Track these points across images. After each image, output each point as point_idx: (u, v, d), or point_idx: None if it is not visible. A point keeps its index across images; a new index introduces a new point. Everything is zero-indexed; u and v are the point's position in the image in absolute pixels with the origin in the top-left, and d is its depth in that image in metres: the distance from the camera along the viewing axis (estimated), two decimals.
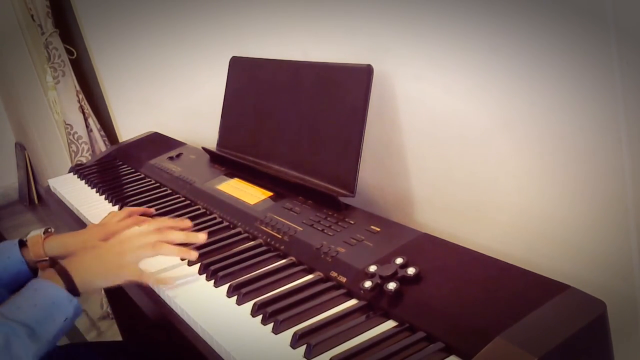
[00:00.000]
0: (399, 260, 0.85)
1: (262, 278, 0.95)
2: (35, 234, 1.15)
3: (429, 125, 1.02)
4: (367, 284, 0.83)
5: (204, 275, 1.00)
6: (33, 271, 1.13)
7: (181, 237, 1.03)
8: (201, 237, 1.05)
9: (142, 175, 1.56)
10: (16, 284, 1.12)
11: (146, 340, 1.52)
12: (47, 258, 1.13)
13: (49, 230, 1.17)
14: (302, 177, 1.18)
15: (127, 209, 1.22)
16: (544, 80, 0.82)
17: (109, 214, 1.21)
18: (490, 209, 0.97)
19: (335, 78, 1.12)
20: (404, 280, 0.82)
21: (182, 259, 1.05)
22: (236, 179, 1.33)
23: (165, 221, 1.07)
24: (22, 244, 1.13)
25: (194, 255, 1.02)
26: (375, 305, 0.82)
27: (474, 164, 0.97)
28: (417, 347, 0.73)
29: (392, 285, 0.80)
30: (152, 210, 1.27)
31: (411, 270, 0.82)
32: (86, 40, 2.48)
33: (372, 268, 0.85)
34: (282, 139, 1.25)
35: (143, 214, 1.24)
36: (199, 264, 1.02)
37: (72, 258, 0.94)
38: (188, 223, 1.09)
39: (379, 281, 0.82)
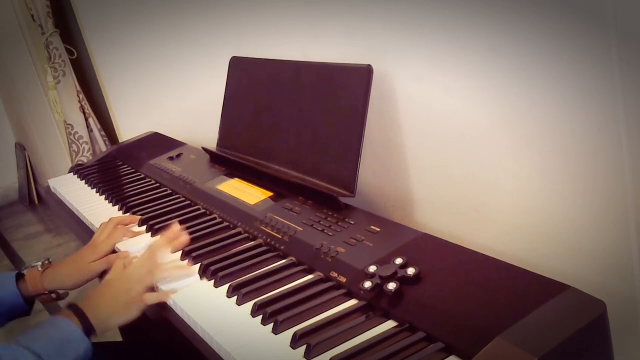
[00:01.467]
0: (399, 261, 0.85)
1: (262, 278, 0.95)
2: (33, 266, 1.17)
3: (429, 125, 1.02)
4: (367, 284, 0.83)
5: (204, 275, 1.00)
6: (28, 303, 1.15)
7: (172, 256, 1.06)
8: (184, 239, 1.09)
9: (142, 175, 1.56)
10: (11, 315, 1.14)
11: (146, 340, 1.52)
12: (47, 292, 1.15)
13: (48, 261, 1.19)
14: (302, 177, 1.18)
15: (113, 221, 1.24)
16: (544, 80, 0.82)
17: (98, 228, 1.23)
18: (490, 209, 0.97)
19: (335, 78, 1.12)
20: (403, 280, 0.81)
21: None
22: (236, 179, 1.33)
23: (155, 244, 1.07)
24: (20, 275, 1.15)
25: (187, 268, 1.03)
26: (375, 305, 0.82)
27: (474, 163, 0.97)
28: (417, 347, 0.73)
29: (392, 286, 0.80)
30: (137, 217, 1.27)
31: (411, 271, 0.82)
32: (86, 40, 2.48)
33: (372, 268, 0.85)
34: (282, 139, 1.25)
35: (129, 223, 1.26)
36: (199, 264, 1.02)
37: (86, 300, 0.98)
38: (175, 230, 1.09)
39: (378, 281, 0.82)
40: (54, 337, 0.91)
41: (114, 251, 1.18)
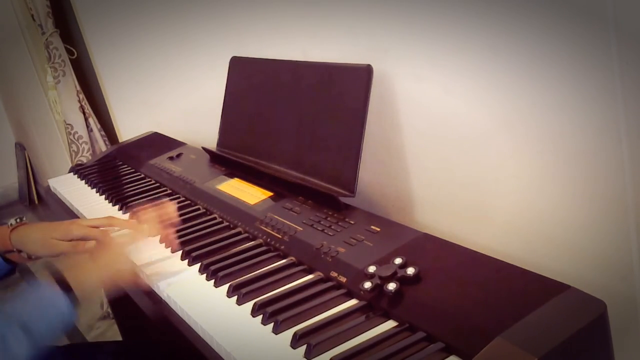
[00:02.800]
0: (398, 261, 0.85)
1: (262, 278, 0.95)
2: (4, 224, 1.16)
3: (429, 125, 1.02)
4: (367, 284, 0.83)
5: (204, 275, 1.00)
6: (8, 261, 1.16)
7: (153, 217, 1.08)
8: (171, 210, 1.10)
9: (142, 175, 1.56)
10: None
11: (146, 340, 1.52)
12: (14, 250, 1.14)
13: (19, 220, 1.17)
14: (302, 177, 1.18)
15: (109, 218, 1.20)
16: (544, 80, 0.82)
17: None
18: (491, 209, 0.97)
19: (335, 78, 1.12)
20: (403, 281, 0.81)
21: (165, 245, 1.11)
22: (236, 179, 1.33)
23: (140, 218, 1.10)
24: None
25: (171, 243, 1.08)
26: (375, 305, 0.82)
27: (474, 164, 0.97)
28: (417, 347, 0.73)
29: (392, 286, 0.80)
30: (133, 221, 1.24)
31: (410, 270, 0.82)
32: (86, 40, 2.48)
33: (372, 269, 0.85)
34: (282, 139, 1.25)
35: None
36: (199, 264, 1.02)
37: (67, 262, 1.00)
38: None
39: (378, 282, 0.82)
40: (37, 304, 0.91)
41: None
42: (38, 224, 1.18)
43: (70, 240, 1.13)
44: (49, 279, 0.94)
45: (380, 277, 0.83)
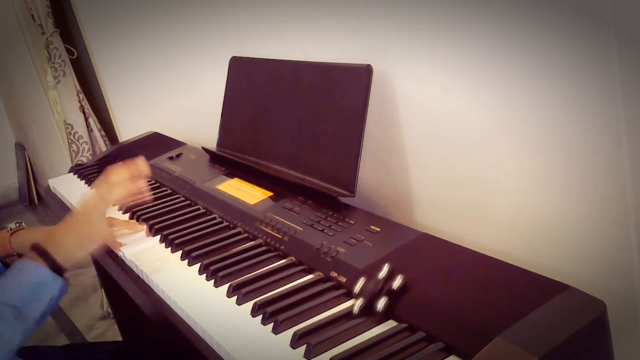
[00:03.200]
0: (383, 273, 0.83)
1: (262, 278, 0.95)
2: (4, 229, 1.17)
3: (429, 125, 1.02)
4: (358, 304, 0.80)
5: (204, 275, 1.00)
6: (6, 266, 1.14)
7: (122, 170, 1.06)
8: (141, 164, 1.07)
9: None
10: None
11: (146, 340, 1.52)
12: (15, 254, 1.15)
13: (18, 224, 1.19)
14: (302, 177, 1.18)
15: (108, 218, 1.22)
16: (544, 80, 0.82)
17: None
18: (491, 209, 0.97)
19: (335, 78, 1.12)
20: (392, 294, 0.80)
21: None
22: (236, 179, 1.33)
23: (110, 167, 1.09)
24: None
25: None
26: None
27: (474, 163, 0.97)
28: (417, 347, 0.73)
29: (381, 303, 0.79)
30: (132, 222, 1.27)
31: (397, 283, 0.80)
32: (86, 40, 2.48)
33: (358, 287, 0.83)
34: (282, 139, 1.25)
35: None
36: (199, 264, 1.02)
37: (47, 239, 0.96)
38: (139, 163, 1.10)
39: (366, 301, 0.80)
40: (25, 284, 0.89)
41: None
42: (37, 227, 1.19)
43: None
44: (34, 256, 0.92)
45: (368, 295, 0.80)
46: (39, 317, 0.89)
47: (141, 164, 1.07)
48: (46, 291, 0.90)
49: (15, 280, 0.90)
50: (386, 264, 0.83)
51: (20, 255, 1.15)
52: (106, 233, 1.00)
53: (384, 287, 0.81)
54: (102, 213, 1.00)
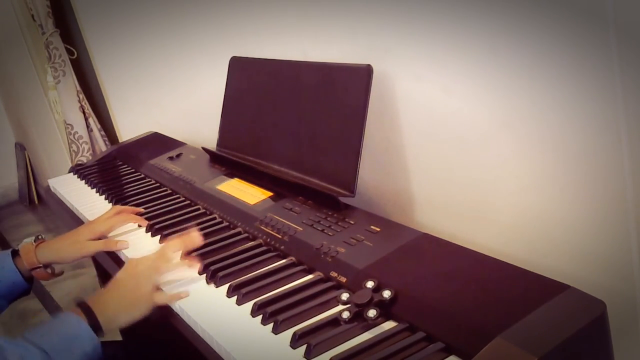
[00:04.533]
0: (370, 284, 0.82)
1: (262, 278, 0.95)
2: (27, 242, 1.17)
3: (429, 125, 1.02)
4: (345, 314, 0.79)
5: (204, 275, 1.00)
6: (28, 280, 1.15)
7: (178, 243, 1.03)
8: (194, 236, 1.05)
9: (142, 175, 1.56)
10: (12, 295, 1.14)
11: (146, 340, 1.52)
12: (41, 265, 1.15)
13: (40, 237, 1.19)
14: (302, 177, 1.18)
15: (116, 207, 1.26)
16: (544, 80, 0.82)
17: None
18: (491, 209, 0.97)
19: (335, 78, 1.12)
20: (382, 305, 0.79)
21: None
22: (236, 179, 1.33)
23: (167, 243, 1.05)
24: (15, 253, 1.15)
25: (196, 266, 1.02)
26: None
27: (474, 164, 0.97)
28: (417, 347, 0.73)
29: (372, 313, 0.78)
30: (141, 209, 1.29)
31: (386, 294, 0.80)
32: (86, 40, 2.48)
33: (345, 296, 0.82)
34: (282, 139, 1.25)
35: (132, 212, 1.27)
36: (199, 264, 1.02)
37: (95, 298, 0.96)
38: (192, 235, 1.06)
39: (356, 309, 0.80)
40: (60, 334, 0.89)
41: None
42: (60, 235, 1.20)
43: (99, 239, 1.17)
44: (77, 311, 0.92)
45: (357, 305, 0.80)
46: None
47: (195, 237, 1.05)
48: (80, 346, 0.89)
49: (54, 328, 0.90)
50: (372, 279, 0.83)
51: (46, 267, 1.16)
52: (152, 301, 0.97)
53: (373, 298, 0.80)
54: (153, 283, 0.97)
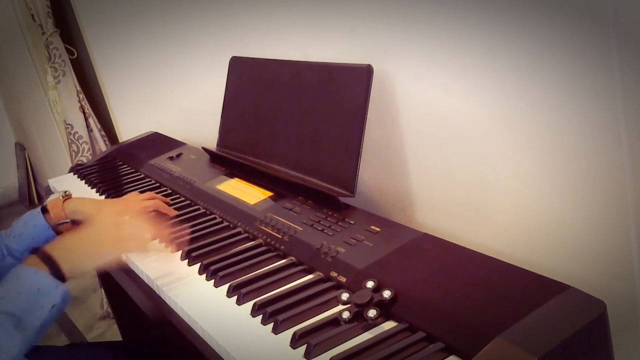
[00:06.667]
0: (371, 284, 0.82)
1: (262, 278, 0.95)
2: (54, 197, 1.16)
3: (429, 125, 1.02)
4: (345, 314, 0.79)
5: (204, 275, 1.00)
6: (58, 233, 1.15)
7: (152, 205, 1.07)
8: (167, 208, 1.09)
9: (142, 175, 1.56)
10: None
11: (146, 340, 1.52)
12: (69, 220, 1.15)
13: (67, 192, 1.19)
14: (302, 177, 1.17)
15: (150, 193, 1.26)
16: (544, 80, 0.82)
17: (131, 193, 1.25)
18: (490, 209, 0.97)
19: (335, 78, 1.12)
20: (382, 305, 0.79)
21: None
22: (236, 179, 1.33)
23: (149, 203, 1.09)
24: (45, 210, 1.15)
25: (175, 248, 1.03)
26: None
27: (474, 164, 0.97)
28: (417, 347, 0.73)
29: (372, 313, 0.78)
30: (169, 203, 1.30)
31: (386, 294, 0.80)
32: (86, 40, 2.48)
33: (345, 296, 0.82)
34: (282, 139, 1.25)
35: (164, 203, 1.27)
36: (199, 264, 1.02)
37: (56, 242, 0.91)
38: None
39: (356, 309, 0.80)
40: (24, 291, 0.83)
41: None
42: (90, 199, 1.20)
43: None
44: (37, 263, 0.87)
45: (357, 305, 0.80)
46: (39, 326, 0.83)
47: (166, 208, 1.07)
48: (47, 299, 0.83)
49: (14, 287, 0.84)
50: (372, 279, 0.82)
51: (74, 222, 1.15)
52: (121, 247, 0.93)
53: (373, 298, 0.80)
54: (123, 229, 0.94)
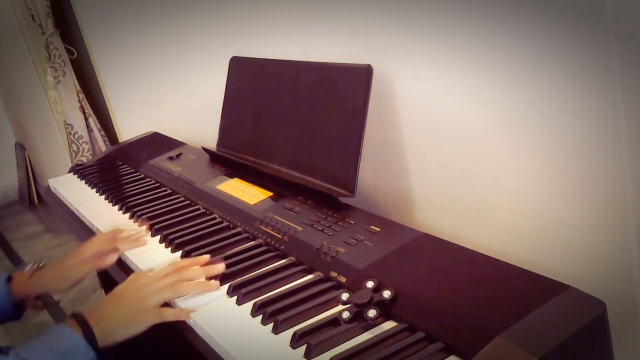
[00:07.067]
0: (371, 284, 0.82)
1: (262, 278, 0.95)
2: (22, 271, 1.13)
3: (429, 125, 1.02)
4: (345, 314, 0.79)
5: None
6: (17, 308, 1.12)
7: (199, 273, 0.96)
8: (220, 267, 0.98)
9: (142, 175, 1.56)
10: (1, 319, 1.11)
11: (146, 340, 1.52)
12: (32, 296, 1.12)
13: (38, 265, 1.15)
14: (302, 177, 1.18)
15: (115, 231, 1.17)
16: (544, 80, 0.82)
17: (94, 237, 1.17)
18: (490, 209, 0.97)
19: (335, 78, 1.12)
20: (382, 305, 0.79)
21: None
22: (236, 179, 1.33)
23: (181, 262, 1.00)
24: (10, 279, 1.12)
25: (215, 286, 0.95)
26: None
27: (474, 164, 0.97)
28: (417, 347, 0.73)
29: (372, 313, 0.78)
30: (144, 241, 1.18)
31: (386, 294, 0.79)
32: (86, 40, 2.49)
33: (345, 296, 0.82)
34: (282, 139, 1.25)
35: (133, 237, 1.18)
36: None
37: (93, 309, 0.92)
38: (205, 258, 1.02)
39: (356, 309, 0.79)
40: (56, 349, 0.85)
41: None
42: (53, 263, 1.15)
43: (87, 261, 1.11)
44: (73, 324, 0.88)
45: (357, 305, 0.80)
46: None
47: (220, 269, 0.98)
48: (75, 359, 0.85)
49: (48, 343, 0.85)
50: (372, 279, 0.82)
51: (37, 298, 1.13)
52: (155, 318, 0.91)
53: (373, 298, 0.80)
54: (161, 300, 0.92)
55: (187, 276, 0.95)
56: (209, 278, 0.96)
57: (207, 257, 1.02)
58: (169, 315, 0.91)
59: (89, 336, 0.88)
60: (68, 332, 0.87)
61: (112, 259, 1.12)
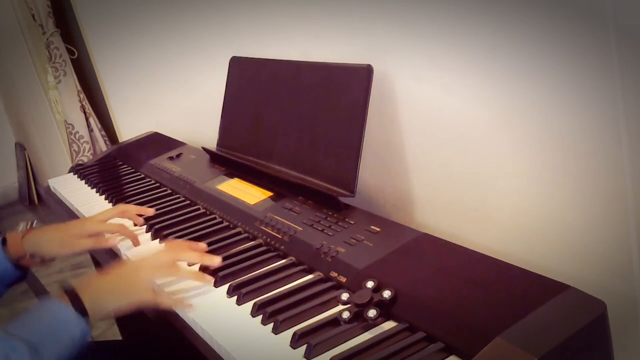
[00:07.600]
0: (371, 284, 0.82)
1: (262, 278, 0.95)
2: (14, 232, 1.15)
3: (429, 125, 1.02)
4: (345, 314, 0.79)
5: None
6: (19, 269, 1.14)
7: (196, 258, 0.98)
8: (216, 260, 0.98)
9: (142, 175, 1.56)
10: (6, 281, 1.13)
11: (146, 340, 1.52)
12: (27, 255, 1.14)
13: (31, 225, 1.18)
14: (302, 177, 1.17)
15: (120, 206, 1.22)
16: (544, 80, 0.82)
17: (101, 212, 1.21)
18: (491, 209, 0.97)
19: (335, 78, 1.12)
20: (382, 305, 0.79)
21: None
22: (236, 179, 1.33)
23: (179, 242, 1.02)
24: (5, 242, 1.14)
25: (208, 280, 0.96)
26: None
27: (474, 163, 0.97)
28: (417, 347, 0.73)
29: (372, 313, 0.78)
30: (151, 210, 1.25)
31: (386, 294, 0.79)
32: (87, 40, 2.49)
33: (345, 296, 0.82)
34: (282, 139, 1.25)
35: (139, 214, 1.24)
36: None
37: (83, 280, 0.92)
38: (203, 246, 1.04)
39: (356, 309, 0.79)
40: (45, 322, 0.84)
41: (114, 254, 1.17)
42: (50, 225, 1.17)
43: (89, 237, 1.14)
44: (62, 296, 0.88)
45: (357, 305, 0.80)
46: (55, 358, 0.83)
47: (216, 260, 0.98)
48: (67, 332, 0.84)
49: (37, 316, 0.86)
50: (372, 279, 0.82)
51: (32, 257, 1.14)
52: (148, 295, 0.91)
53: (373, 298, 0.80)
54: (154, 278, 0.93)
55: (183, 257, 0.97)
56: (204, 270, 0.98)
57: (205, 245, 1.04)
58: (165, 300, 0.91)
59: (79, 307, 0.87)
60: (58, 304, 0.87)
61: (114, 240, 1.14)
